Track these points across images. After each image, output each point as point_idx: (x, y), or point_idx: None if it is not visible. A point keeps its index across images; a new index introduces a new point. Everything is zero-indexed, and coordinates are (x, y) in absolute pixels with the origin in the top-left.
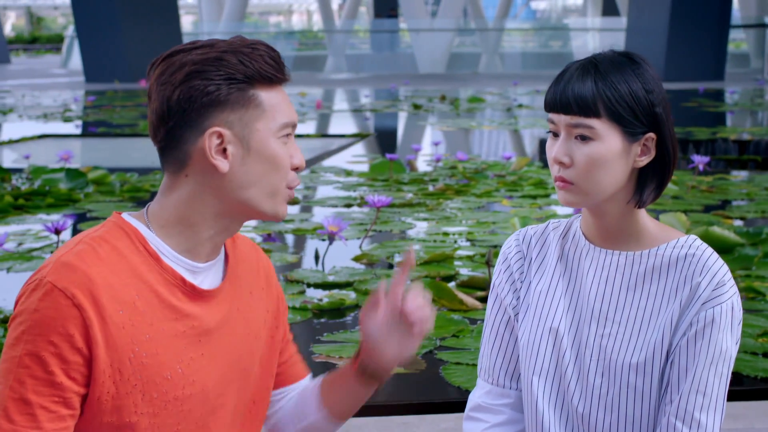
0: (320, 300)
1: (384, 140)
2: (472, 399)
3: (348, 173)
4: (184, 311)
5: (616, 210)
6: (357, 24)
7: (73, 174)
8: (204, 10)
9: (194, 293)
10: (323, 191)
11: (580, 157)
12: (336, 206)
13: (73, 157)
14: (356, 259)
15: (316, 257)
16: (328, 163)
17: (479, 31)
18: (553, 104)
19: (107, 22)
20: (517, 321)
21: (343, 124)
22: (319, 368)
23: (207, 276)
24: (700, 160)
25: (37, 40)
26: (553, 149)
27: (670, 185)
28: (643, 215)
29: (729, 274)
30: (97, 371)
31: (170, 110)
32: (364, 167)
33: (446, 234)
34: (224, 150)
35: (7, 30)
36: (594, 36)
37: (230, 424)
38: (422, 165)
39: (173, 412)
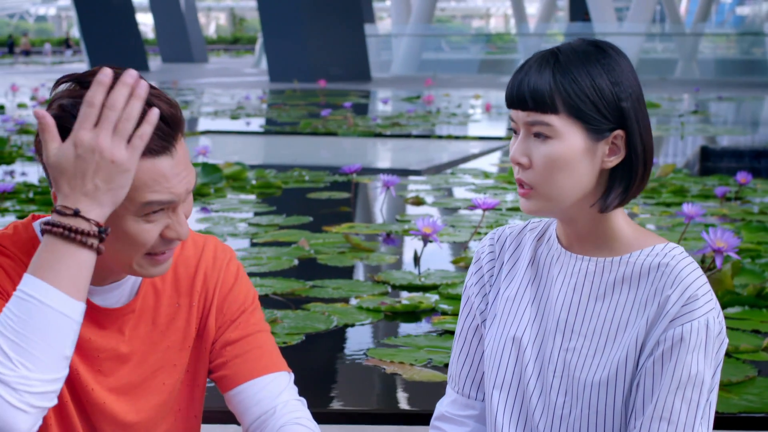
0: (398, 302)
1: None
2: (438, 408)
3: (486, 175)
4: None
5: (584, 215)
6: (551, 28)
7: (209, 169)
8: (393, 13)
9: (91, 310)
10: (455, 193)
11: (538, 157)
12: (459, 208)
13: (215, 153)
14: (455, 261)
15: (415, 259)
16: (472, 165)
17: (674, 35)
18: (510, 100)
19: (291, 23)
20: (485, 328)
21: (505, 126)
22: (365, 372)
23: (110, 295)
24: None
25: (239, 40)
26: (512, 149)
27: None
28: (619, 218)
29: (706, 288)
30: None
31: None
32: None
33: None
34: None
35: (211, 31)
36: None
37: None
38: None
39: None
